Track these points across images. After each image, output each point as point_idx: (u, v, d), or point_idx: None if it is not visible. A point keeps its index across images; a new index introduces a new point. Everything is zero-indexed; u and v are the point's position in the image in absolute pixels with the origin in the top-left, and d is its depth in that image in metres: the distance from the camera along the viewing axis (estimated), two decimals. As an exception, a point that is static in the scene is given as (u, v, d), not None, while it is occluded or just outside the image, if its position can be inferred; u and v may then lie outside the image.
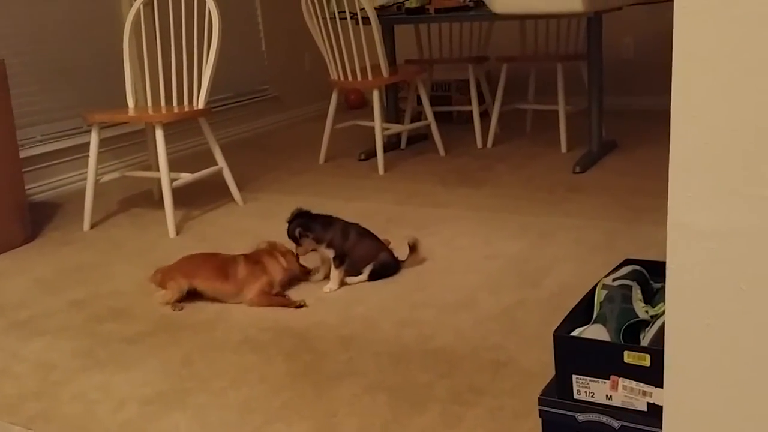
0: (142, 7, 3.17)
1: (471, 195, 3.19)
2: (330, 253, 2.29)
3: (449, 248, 2.58)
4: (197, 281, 2.24)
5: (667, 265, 0.85)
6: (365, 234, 2.38)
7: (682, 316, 0.87)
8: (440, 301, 2.16)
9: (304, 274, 2.38)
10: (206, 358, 1.92)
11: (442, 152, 3.93)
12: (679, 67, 0.80)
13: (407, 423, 1.56)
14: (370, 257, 2.34)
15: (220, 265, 2.25)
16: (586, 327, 1.35)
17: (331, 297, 2.25)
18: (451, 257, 2.50)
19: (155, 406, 1.70)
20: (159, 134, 2.90)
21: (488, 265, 2.40)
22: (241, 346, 1.97)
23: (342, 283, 2.31)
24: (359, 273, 2.34)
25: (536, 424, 1.42)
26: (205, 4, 3.05)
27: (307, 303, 2.19)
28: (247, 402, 1.69)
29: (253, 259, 2.27)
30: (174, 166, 3.10)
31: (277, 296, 2.23)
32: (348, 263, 2.31)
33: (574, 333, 1.34)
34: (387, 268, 2.36)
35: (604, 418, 1.27)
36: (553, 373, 1.37)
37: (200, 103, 3.07)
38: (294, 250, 2.31)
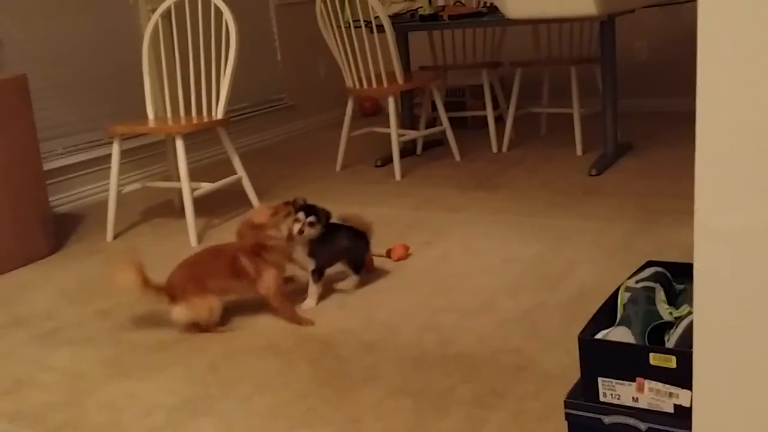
0: (160, 19, 3.21)
1: (487, 199, 3.20)
2: (310, 264, 2.21)
3: (467, 252, 2.59)
4: (212, 283, 2.11)
5: (695, 267, 0.86)
6: (333, 232, 2.24)
7: (711, 318, 0.88)
8: (460, 305, 2.17)
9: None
10: (231, 364, 1.94)
11: (457, 157, 3.94)
12: (704, 69, 0.81)
13: (431, 427, 1.58)
14: (340, 254, 2.27)
15: (229, 261, 2.13)
16: (610, 329, 1.36)
17: (352, 303, 2.26)
18: (470, 261, 2.51)
19: (182, 413, 1.72)
20: (179, 144, 2.94)
21: (507, 269, 2.41)
22: (264, 351, 1.99)
23: (319, 298, 2.25)
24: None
25: (559, 426, 1.43)
26: (221, 16, 3.09)
27: (314, 321, 2.14)
28: (273, 407, 1.71)
29: (253, 252, 2.13)
30: (194, 175, 3.13)
31: (289, 303, 2.15)
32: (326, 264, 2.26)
33: (599, 335, 1.35)
34: (358, 254, 2.30)
35: (630, 420, 1.28)
36: (574, 375, 1.38)
37: (219, 113, 3.11)
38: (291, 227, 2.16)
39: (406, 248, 2.59)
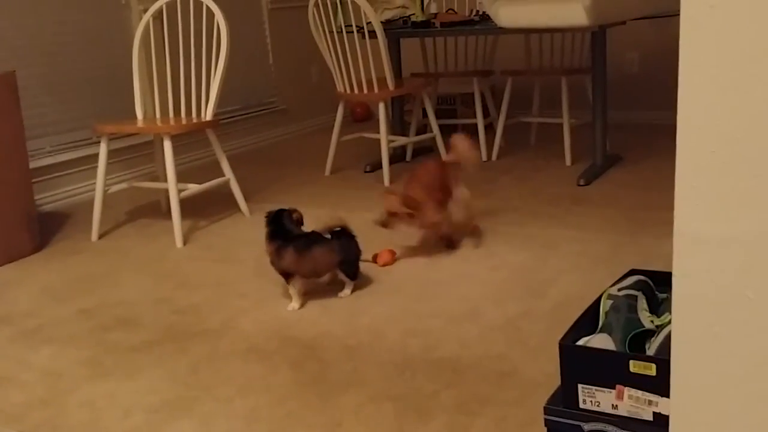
0: (151, 19, 3.20)
1: (476, 207, 3.20)
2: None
3: (454, 259, 2.59)
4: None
5: (673, 274, 0.86)
6: (310, 244, 2.24)
7: (689, 325, 0.88)
8: (445, 311, 2.17)
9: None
10: (212, 366, 1.93)
11: (447, 165, 3.94)
12: (685, 77, 0.81)
13: (413, 432, 1.57)
14: (330, 263, 2.27)
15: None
16: (591, 336, 1.36)
17: (337, 307, 2.25)
18: (456, 268, 2.51)
19: (161, 415, 1.71)
20: (167, 145, 2.93)
21: (493, 276, 2.41)
22: (247, 355, 1.98)
23: (303, 302, 2.26)
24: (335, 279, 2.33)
25: (541, 433, 1.42)
26: (213, 17, 3.09)
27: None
28: (253, 411, 1.70)
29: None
30: (182, 177, 3.12)
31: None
32: (307, 274, 2.27)
33: (580, 342, 1.35)
34: (353, 260, 2.31)
35: (610, 428, 1.28)
36: (557, 383, 1.38)
37: (208, 114, 3.10)
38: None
39: (393, 254, 2.59)
